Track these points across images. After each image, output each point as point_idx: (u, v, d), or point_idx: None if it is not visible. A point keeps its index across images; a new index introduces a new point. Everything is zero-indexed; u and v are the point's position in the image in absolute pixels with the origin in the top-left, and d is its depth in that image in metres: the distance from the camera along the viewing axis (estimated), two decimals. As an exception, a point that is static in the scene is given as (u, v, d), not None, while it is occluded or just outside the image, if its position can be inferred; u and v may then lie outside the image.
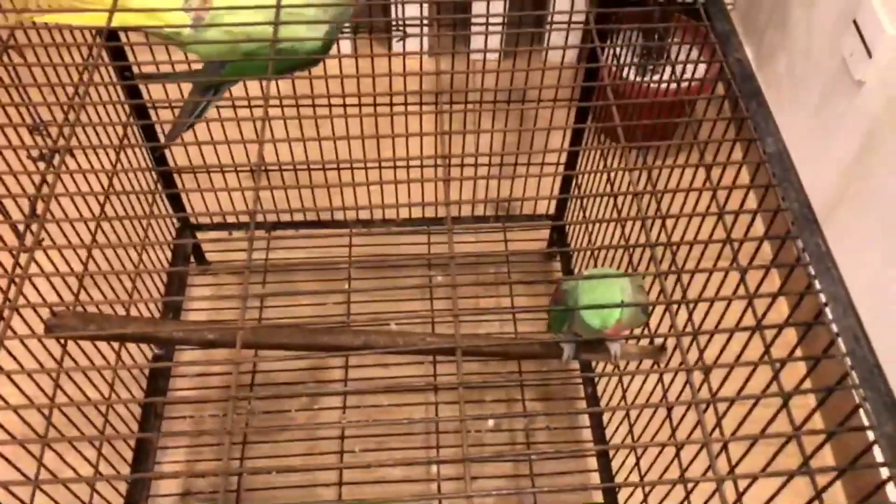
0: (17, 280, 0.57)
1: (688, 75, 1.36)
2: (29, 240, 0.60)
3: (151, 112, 1.18)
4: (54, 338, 0.81)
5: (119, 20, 0.72)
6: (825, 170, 1.28)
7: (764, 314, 0.65)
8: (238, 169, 1.25)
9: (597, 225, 1.26)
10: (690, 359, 0.55)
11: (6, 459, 0.71)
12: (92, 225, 0.83)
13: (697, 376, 0.58)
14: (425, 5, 1.20)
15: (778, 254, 0.69)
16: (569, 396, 1.27)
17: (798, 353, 0.70)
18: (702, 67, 1.39)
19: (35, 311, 0.79)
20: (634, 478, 1.00)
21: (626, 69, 1.51)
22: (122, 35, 1.04)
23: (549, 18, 1.35)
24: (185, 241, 1.34)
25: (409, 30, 1.46)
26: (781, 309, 0.78)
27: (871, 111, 1.17)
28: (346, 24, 0.90)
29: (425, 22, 1.24)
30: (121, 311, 1.03)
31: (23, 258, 0.58)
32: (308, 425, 1.21)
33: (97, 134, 1.07)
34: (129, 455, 1.09)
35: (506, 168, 1.36)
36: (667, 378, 0.93)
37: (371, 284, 1.38)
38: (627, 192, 0.62)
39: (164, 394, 1.19)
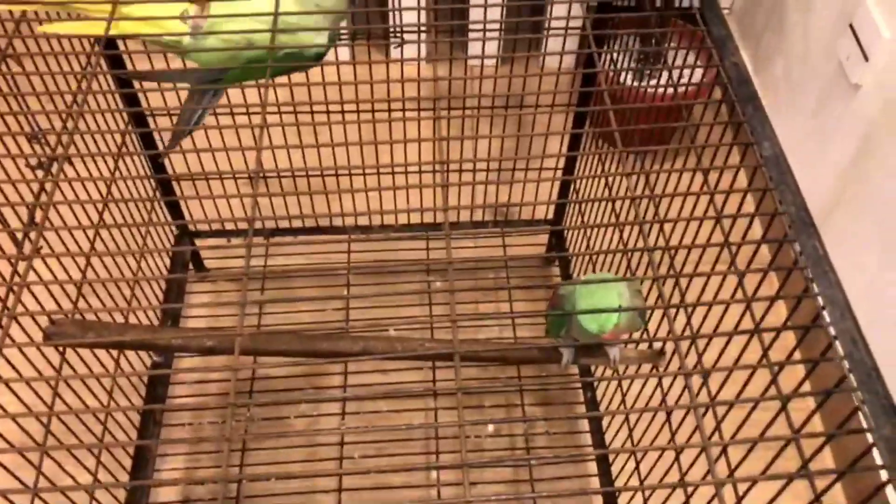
0: (15, 288, 0.57)
1: (685, 80, 1.36)
2: (27, 248, 0.60)
3: (150, 120, 1.18)
4: (53, 346, 0.81)
5: (118, 28, 0.72)
6: (822, 173, 1.28)
7: (762, 318, 0.66)
8: (236, 176, 1.25)
9: (595, 229, 1.26)
10: (689, 362, 0.55)
11: (5, 468, 0.71)
12: (90, 233, 0.83)
13: (696, 380, 0.58)
14: (423, 12, 1.21)
15: (775, 257, 0.70)
16: (568, 401, 1.27)
17: (796, 356, 0.70)
18: (699, 72, 1.39)
19: (34, 319, 0.79)
20: (634, 482, 1.00)
21: (623, 74, 1.51)
22: (120, 43, 1.04)
23: (547, 24, 1.35)
24: (183, 248, 1.34)
25: (406, 36, 1.46)
26: (779, 312, 0.78)
27: (867, 115, 1.17)
28: (343, 30, 0.90)
29: (423, 28, 1.24)
30: (119, 319, 1.03)
31: (21, 266, 0.58)
32: (307, 432, 1.21)
33: (95, 142, 1.07)
34: (128, 462, 1.09)
35: (504, 173, 1.36)
36: (666, 382, 0.93)
37: (370, 290, 1.38)
38: (625, 197, 0.63)
39: (162, 401, 1.19)
